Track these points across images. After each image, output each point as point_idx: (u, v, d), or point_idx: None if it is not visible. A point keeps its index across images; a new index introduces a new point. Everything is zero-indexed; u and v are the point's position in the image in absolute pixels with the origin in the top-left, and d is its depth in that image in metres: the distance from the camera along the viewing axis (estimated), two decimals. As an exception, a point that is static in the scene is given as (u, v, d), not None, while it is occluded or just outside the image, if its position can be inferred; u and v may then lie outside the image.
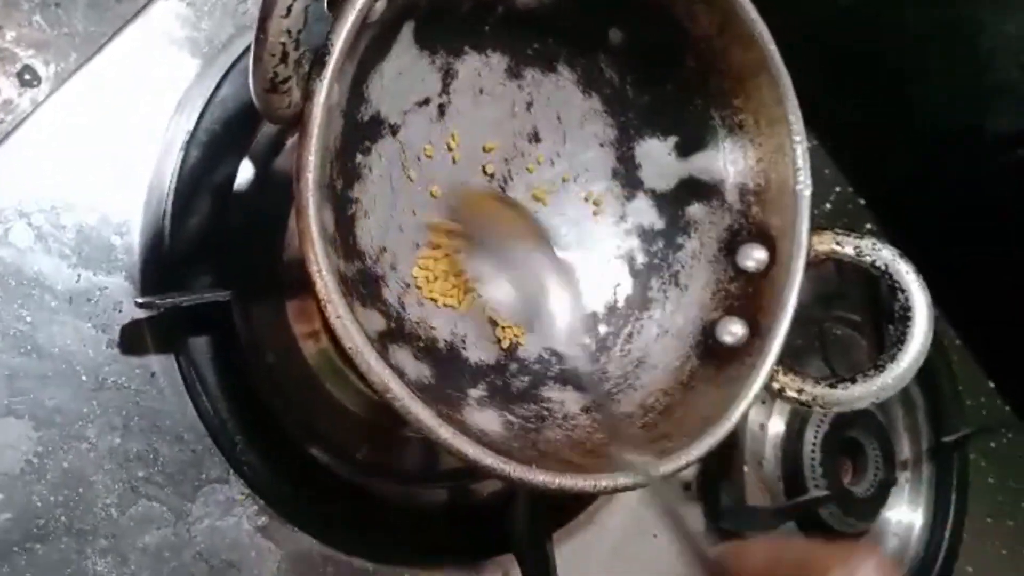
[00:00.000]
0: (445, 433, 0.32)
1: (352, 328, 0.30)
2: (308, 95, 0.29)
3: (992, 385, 0.75)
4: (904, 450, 0.69)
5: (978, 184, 0.70)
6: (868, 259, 0.43)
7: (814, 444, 0.60)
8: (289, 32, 0.26)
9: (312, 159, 0.29)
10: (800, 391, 0.41)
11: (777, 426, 0.61)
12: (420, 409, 0.31)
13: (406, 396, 0.31)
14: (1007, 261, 0.70)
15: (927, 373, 0.68)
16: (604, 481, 0.35)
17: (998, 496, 0.73)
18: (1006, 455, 0.74)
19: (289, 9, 0.25)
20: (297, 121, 0.30)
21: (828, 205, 0.65)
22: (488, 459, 0.33)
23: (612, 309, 0.45)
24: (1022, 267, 0.70)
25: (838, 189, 0.66)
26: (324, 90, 0.29)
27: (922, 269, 0.43)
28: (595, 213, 0.45)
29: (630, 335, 0.45)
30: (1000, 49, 0.65)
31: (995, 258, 0.70)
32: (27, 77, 0.44)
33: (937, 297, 0.64)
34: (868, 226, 0.68)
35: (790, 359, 0.41)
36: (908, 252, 0.43)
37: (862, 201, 0.68)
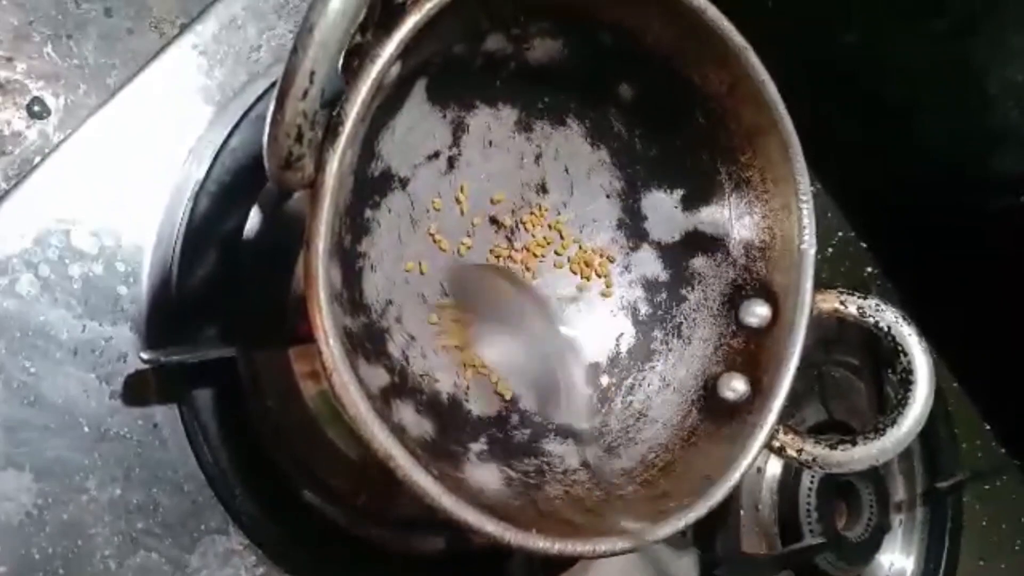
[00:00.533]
0: (448, 502, 0.32)
1: (357, 398, 0.30)
2: (320, 165, 0.29)
3: (988, 428, 0.75)
4: (899, 493, 0.69)
5: (980, 229, 0.70)
6: (871, 320, 0.43)
7: (810, 488, 0.60)
8: (305, 114, 0.26)
9: (323, 229, 0.29)
10: (800, 451, 0.41)
11: (774, 469, 0.61)
12: (423, 479, 0.31)
13: (409, 466, 0.31)
14: (1006, 307, 0.70)
15: (924, 416, 0.68)
16: (603, 546, 0.35)
17: (991, 538, 0.74)
18: (1000, 498, 0.74)
19: (306, 93, 0.26)
20: (307, 187, 0.30)
21: (830, 250, 0.66)
22: (489, 526, 0.33)
23: (614, 360, 0.45)
24: (1018, 312, 0.71)
25: (840, 234, 0.67)
26: (336, 161, 0.29)
27: (921, 313, 0.43)
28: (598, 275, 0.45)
29: (632, 387, 0.45)
30: (1003, 94, 0.66)
31: (994, 303, 0.71)
32: (36, 109, 0.44)
33: (935, 341, 0.64)
34: (869, 270, 0.68)
35: (789, 405, 0.41)
36: (908, 297, 0.43)
37: (864, 245, 0.68)
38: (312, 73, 0.26)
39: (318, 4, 0.25)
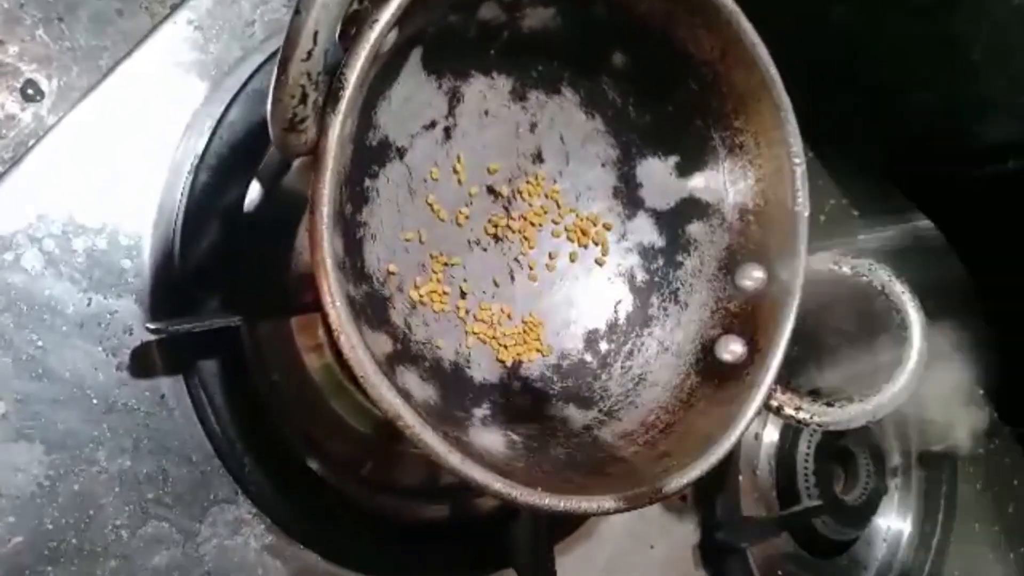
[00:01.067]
0: (454, 460, 0.32)
1: (364, 358, 0.31)
2: (323, 130, 0.29)
3: (981, 392, 0.76)
4: (894, 458, 0.70)
5: (970, 195, 0.71)
6: (865, 279, 0.44)
7: (807, 453, 0.61)
8: (308, 75, 0.26)
9: (327, 192, 0.30)
10: (798, 409, 0.42)
11: (771, 435, 0.62)
12: (430, 437, 0.32)
13: (417, 423, 0.32)
14: (997, 271, 0.71)
15: (917, 381, 0.69)
16: (607, 503, 0.36)
17: (985, 501, 0.75)
18: (994, 461, 0.75)
19: (310, 53, 0.26)
20: (309, 153, 0.30)
21: (822, 217, 0.66)
22: (496, 484, 0.33)
23: (613, 326, 0.46)
24: (1010, 276, 0.71)
25: (832, 201, 0.67)
26: (338, 125, 0.30)
27: (912, 281, 0.43)
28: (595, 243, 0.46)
29: (631, 352, 0.45)
30: (987, 62, 0.66)
31: (983, 267, 0.71)
32: (30, 92, 0.44)
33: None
34: (861, 237, 0.69)
35: (785, 372, 0.42)
36: (899, 265, 0.44)
37: (856, 213, 0.69)
38: (315, 33, 0.26)
39: (319, -35, 0.25)
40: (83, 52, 0.45)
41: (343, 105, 0.29)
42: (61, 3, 0.45)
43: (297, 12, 0.25)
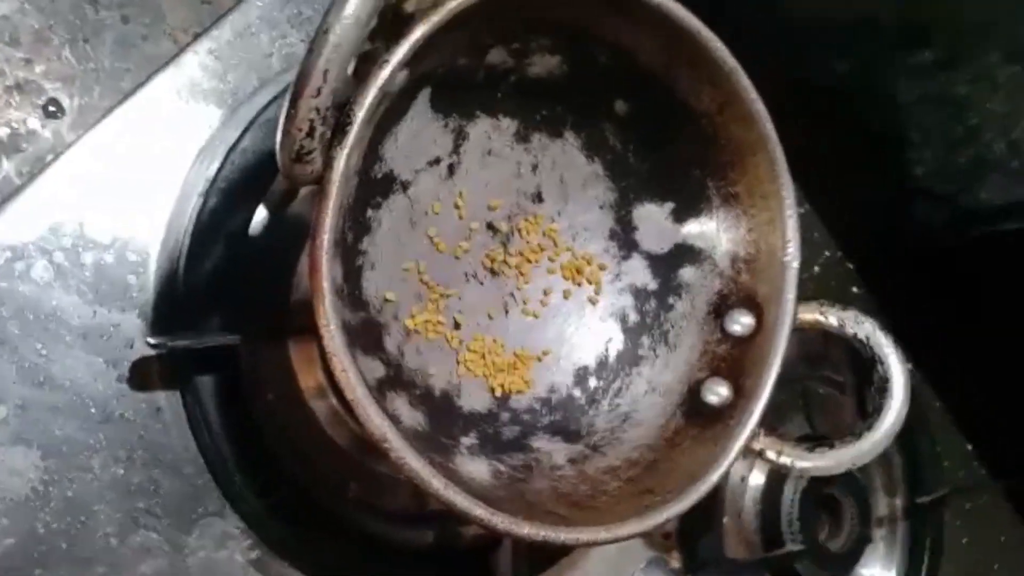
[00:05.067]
0: (437, 484, 0.33)
1: (355, 381, 0.32)
2: (328, 163, 0.31)
3: (970, 447, 0.77)
4: (880, 508, 0.70)
5: (963, 254, 0.72)
6: (850, 331, 0.45)
7: (793, 499, 0.61)
8: (318, 110, 0.28)
9: (328, 221, 0.31)
10: (779, 453, 0.43)
11: (757, 479, 0.62)
12: (414, 460, 0.33)
13: (402, 447, 0.33)
14: (988, 329, 0.72)
15: (905, 433, 0.69)
16: (586, 535, 0.36)
17: (972, 557, 0.75)
18: (981, 517, 0.75)
19: (319, 90, 0.27)
20: (315, 183, 0.32)
21: (817, 268, 0.67)
22: (478, 510, 0.34)
23: (603, 364, 0.47)
24: (1001, 334, 0.72)
25: (827, 253, 0.68)
26: (343, 159, 0.31)
27: (904, 332, 0.44)
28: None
29: (619, 390, 0.46)
30: (987, 125, 0.68)
31: (977, 326, 0.72)
32: (51, 109, 0.46)
33: (918, 360, 0.66)
34: (855, 290, 0.70)
35: (772, 416, 0.43)
36: (892, 317, 0.45)
37: (850, 266, 0.70)
38: (326, 72, 0.27)
39: (334, 9, 0.27)
40: (106, 74, 0.47)
41: (349, 140, 0.31)
42: (88, 26, 0.47)
43: (310, 51, 0.27)
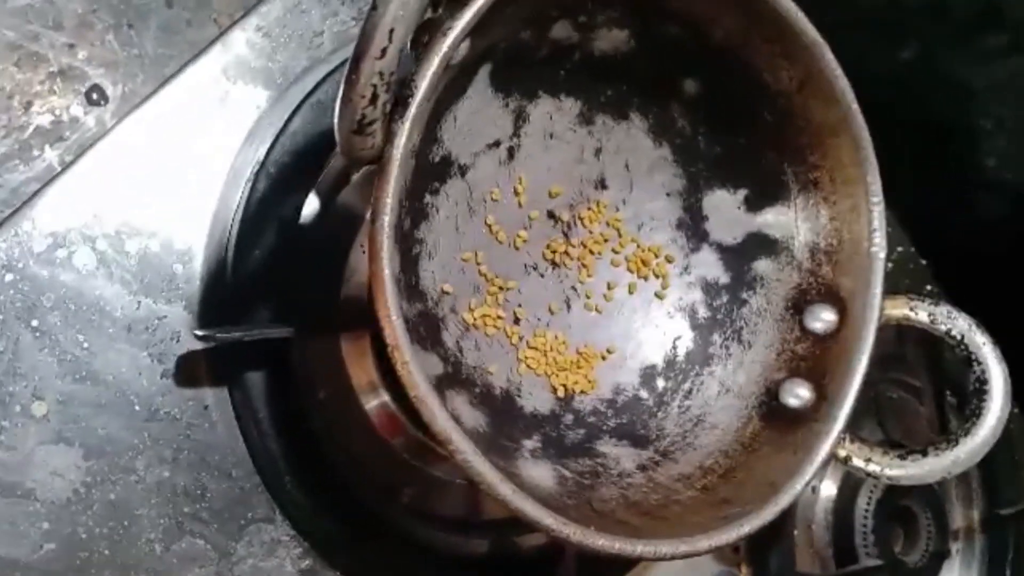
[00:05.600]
0: (505, 490, 0.31)
1: (418, 377, 0.30)
2: (389, 137, 0.28)
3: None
4: (957, 520, 0.66)
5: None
6: (943, 327, 0.41)
7: (867, 510, 0.58)
8: (381, 74, 0.25)
9: (390, 202, 0.29)
10: (868, 460, 0.40)
11: (829, 489, 0.59)
12: (482, 464, 0.30)
13: (469, 450, 0.30)
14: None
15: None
16: (663, 547, 0.34)
17: (1052, 573, 0.70)
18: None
19: (384, 51, 0.25)
20: (374, 161, 0.29)
21: (890, 264, 0.64)
22: (548, 519, 0.31)
23: (671, 363, 0.44)
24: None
25: (900, 248, 0.65)
26: (405, 133, 0.29)
27: (982, 333, 0.41)
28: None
29: (689, 391, 0.43)
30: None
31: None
32: (95, 96, 0.44)
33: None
34: (929, 288, 0.66)
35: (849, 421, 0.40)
36: (969, 315, 0.41)
37: (924, 262, 0.67)
38: (391, 31, 0.25)
39: (399, -35, 0.25)
40: (150, 60, 0.46)
41: (412, 111, 0.28)
42: (132, 10, 0.46)
43: (374, 8, 0.25)
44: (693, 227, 0.45)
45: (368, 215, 0.29)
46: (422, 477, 0.43)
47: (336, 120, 0.27)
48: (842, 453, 0.39)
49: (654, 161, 0.44)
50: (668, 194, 0.45)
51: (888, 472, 0.40)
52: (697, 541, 0.35)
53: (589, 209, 0.43)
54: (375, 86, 0.26)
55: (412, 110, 0.29)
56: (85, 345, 0.35)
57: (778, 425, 0.41)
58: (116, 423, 0.35)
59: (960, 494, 0.67)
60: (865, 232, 0.41)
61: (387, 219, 0.29)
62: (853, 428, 0.40)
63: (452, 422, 0.30)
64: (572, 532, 0.32)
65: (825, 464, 0.38)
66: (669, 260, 0.44)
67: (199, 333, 0.34)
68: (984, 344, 0.41)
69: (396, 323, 0.29)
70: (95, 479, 0.34)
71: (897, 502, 0.60)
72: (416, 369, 0.30)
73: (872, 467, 0.40)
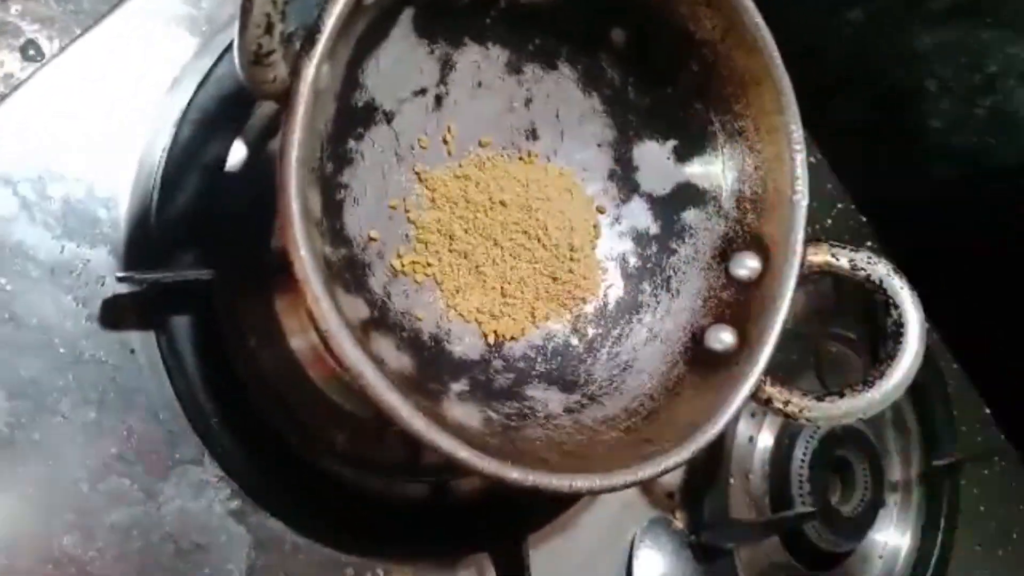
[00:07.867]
0: (419, 424, 0.31)
1: (329, 312, 0.30)
2: (296, 72, 0.28)
3: (988, 412, 0.74)
4: (895, 472, 0.68)
5: (982, 208, 0.69)
6: (862, 273, 0.42)
7: (803, 460, 0.59)
8: (274, 3, 0.26)
9: (296, 137, 0.29)
10: (787, 402, 0.41)
11: (766, 440, 0.60)
12: (394, 398, 0.31)
13: (380, 384, 0.31)
14: (1008, 288, 0.69)
15: (922, 396, 0.67)
16: (579, 482, 0.34)
17: (989, 524, 0.73)
18: (999, 484, 0.73)
19: (275, -20, 0.25)
20: (281, 96, 0.30)
21: (829, 221, 0.65)
22: (463, 452, 0.32)
23: (602, 311, 0.44)
24: (1022, 295, 0.70)
25: (840, 205, 0.66)
26: (313, 68, 0.29)
27: (921, 292, 0.42)
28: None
29: (618, 338, 0.44)
30: (1006, 73, 0.65)
31: (996, 285, 0.70)
32: (31, 52, 0.44)
33: (936, 321, 0.63)
34: (869, 244, 0.67)
35: (782, 374, 0.41)
36: (908, 274, 0.42)
37: (863, 218, 0.68)
38: (282, -41, 0.25)
39: None
40: (87, 15, 0.45)
41: (319, 48, 0.29)
42: (68, -35, 0.45)
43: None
44: (624, 177, 0.45)
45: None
46: (357, 423, 0.44)
47: (235, 51, 0.27)
48: (762, 395, 0.40)
49: (585, 111, 0.44)
50: (599, 145, 0.45)
51: (807, 414, 0.41)
52: (615, 476, 0.35)
53: (520, 159, 0.44)
54: (268, 14, 0.26)
55: (319, 47, 0.29)
56: (8, 288, 0.35)
57: (702, 369, 0.42)
58: (40, 365, 0.35)
59: (898, 447, 0.68)
60: (788, 180, 0.42)
61: (294, 154, 0.29)
62: (791, 379, 0.41)
63: (364, 357, 0.30)
64: (487, 464, 0.32)
65: (744, 404, 0.39)
66: (600, 211, 0.45)
67: (119, 275, 0.34)
68: (902, 288, 0.42)
69: (305, 258, 0.29)
70: (19, 420, 0.35)
71: (834, 452, 0.61)
72: (327, 305, 0.30)
73: (791, 408, 0.41)
